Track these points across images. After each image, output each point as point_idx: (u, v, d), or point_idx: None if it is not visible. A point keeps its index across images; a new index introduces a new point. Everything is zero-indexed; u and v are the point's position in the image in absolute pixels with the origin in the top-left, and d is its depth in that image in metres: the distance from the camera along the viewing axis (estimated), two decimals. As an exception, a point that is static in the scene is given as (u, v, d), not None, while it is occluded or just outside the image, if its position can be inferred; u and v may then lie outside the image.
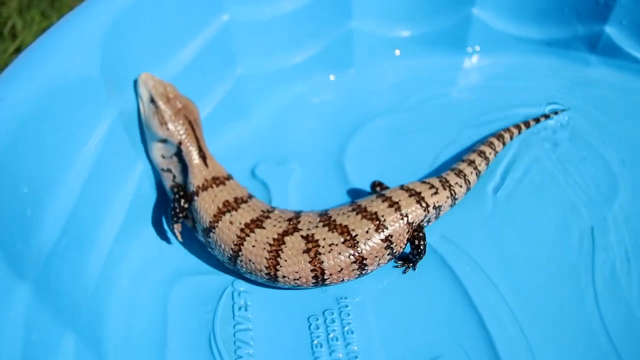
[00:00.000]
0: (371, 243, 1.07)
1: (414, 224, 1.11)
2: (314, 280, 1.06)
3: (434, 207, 1.14)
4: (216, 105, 1.37)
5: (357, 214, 1.10)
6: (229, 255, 1.09)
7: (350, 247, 1.06)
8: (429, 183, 1.17)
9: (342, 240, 1.06)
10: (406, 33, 1.61)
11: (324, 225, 1.09)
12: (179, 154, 1.15)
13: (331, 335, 1.06)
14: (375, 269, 1.11)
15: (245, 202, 1.14)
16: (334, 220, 1.10)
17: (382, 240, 1.07)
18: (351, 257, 1.06)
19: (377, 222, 1.08)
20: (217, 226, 1.10)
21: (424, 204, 1.12)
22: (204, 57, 1.30)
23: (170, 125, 1.14)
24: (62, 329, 0.93)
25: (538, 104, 1.49)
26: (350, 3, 1.51)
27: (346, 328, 1.07)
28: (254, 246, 1.07)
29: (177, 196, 1.15)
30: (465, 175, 1.22)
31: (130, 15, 1.12)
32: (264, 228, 1.09)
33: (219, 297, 1.12)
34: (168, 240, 1.22)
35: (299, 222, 1.11)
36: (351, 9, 1.52)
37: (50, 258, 0.93)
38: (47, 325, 0.89)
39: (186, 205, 1.14)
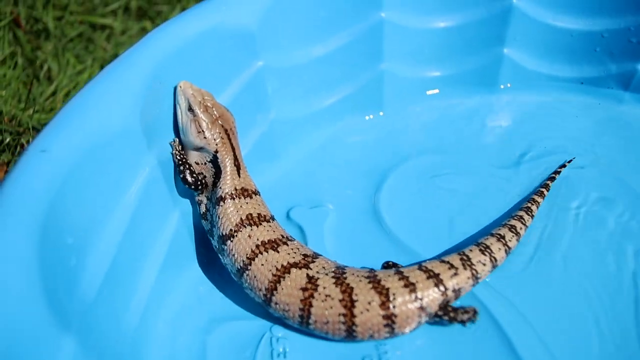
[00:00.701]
0: (368, 315, 1.04)
1: (427, 309, 1.06)
2: (300, 319, 1.07)
3: (453, 290, 1.08)
4: (250, 149, 1.38)
5: (369, 282, 1.06)
6: (239, 267, 1.11)
7: (344, 307, 1.04)
8: (448, 262, 1.11)
9: (340, 297, 1.05)
10: (437, 73, 1.62)
11: (333, 277, 1.08)
12: (214, 161, 1.17)
13: (371, 383, 1.05)
14: (367, 339, 1.07)
15: (267, 221, 1.16)
16: (345, 278, 1.08)
17: (381, 317, 1.04)
18: (341, 316, 1.04)
19: (385, 298, 1.04)
20: (236, 236, 1.12)
21: (442, 288, 1.07)
22: (239, 102, 1.31)
23: (207, 134, 1.15)
24: (104, 378, 0.93)
25: (571, 142, 1.48)
26: (381, 45, 1.53)
27: (386, 375, 1.05)
28: (262, 265, 1.09)
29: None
30: (491, 252, 1.15)
31: (170, 65, 1.15)
32: (277, 252, 1.11)
33: (257, 343, 1.11)
34: (205, 286, 1.22)
35: (313, 262, 1.11)
36: (382, 51, 1.54)
37: (92, 307, 0.94)
38: (91, 375, 0.89)
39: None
